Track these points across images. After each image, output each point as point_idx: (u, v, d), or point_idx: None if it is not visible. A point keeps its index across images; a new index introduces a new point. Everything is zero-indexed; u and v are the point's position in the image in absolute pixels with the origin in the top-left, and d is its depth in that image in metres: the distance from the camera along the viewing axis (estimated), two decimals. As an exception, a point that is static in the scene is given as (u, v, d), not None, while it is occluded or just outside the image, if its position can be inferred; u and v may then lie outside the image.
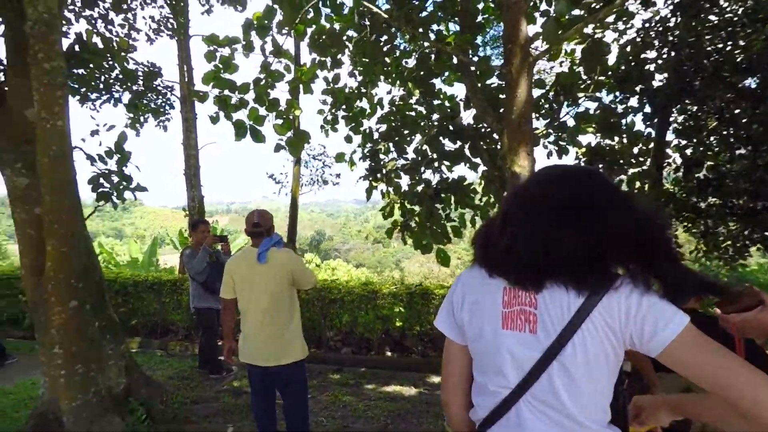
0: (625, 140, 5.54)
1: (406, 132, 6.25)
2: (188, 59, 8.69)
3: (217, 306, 4.96)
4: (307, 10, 5.13)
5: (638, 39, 5.53)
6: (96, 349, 3.38)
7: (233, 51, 5.32)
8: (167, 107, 7.03)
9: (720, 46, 5.31)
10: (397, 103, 6.42)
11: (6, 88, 3.19)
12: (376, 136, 6.48)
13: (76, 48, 4.36)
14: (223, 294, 2.91)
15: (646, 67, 5.51)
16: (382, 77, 6.12)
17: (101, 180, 3.96)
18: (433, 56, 5.61)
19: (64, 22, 5.04)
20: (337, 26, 5.50)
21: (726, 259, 5.73)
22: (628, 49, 5.45)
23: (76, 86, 5.57)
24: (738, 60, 5.11)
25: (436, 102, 6.12)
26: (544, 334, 0.95)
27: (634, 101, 5.71)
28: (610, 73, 5.22)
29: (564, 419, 0.95)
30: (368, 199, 6.42)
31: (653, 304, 0.88)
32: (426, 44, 5.51)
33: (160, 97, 6.83)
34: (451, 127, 5.79)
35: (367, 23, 5.30)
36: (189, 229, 6.35)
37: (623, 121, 5.46)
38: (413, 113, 6.32)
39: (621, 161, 5.56)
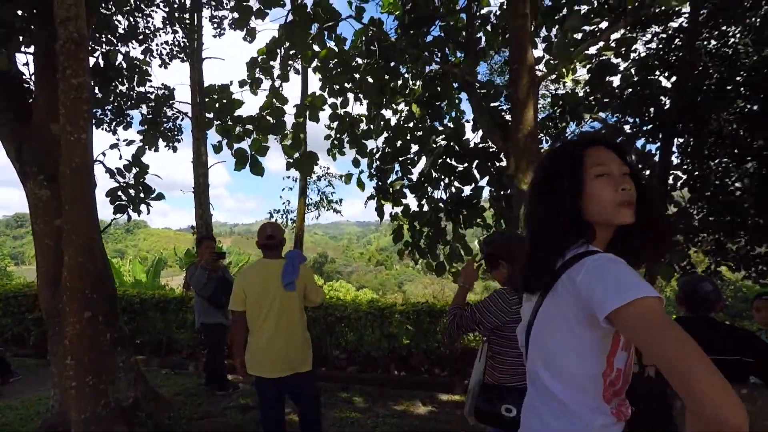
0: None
1: (412, 152, 6.35)
2: (200, 80, 8.95)
3: (224, 321, 4.97)
4: (315, 37, 5.32)
5: (642, 61, 5.68)
6: (107, 360, 3.39)
7: (232, 99, 5.46)
8: (176, 131, 7.23)
9: (722, 69, 5.45)
10: (402, 124, 6.53)
11: (32, 103, 3.31)
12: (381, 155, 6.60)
13: (101, 65, 4.53)
14: (233, 306, 2.91)
15: (650, 89, 5.65)
16: (386, 100, 6.27)
17: (119, 193, 4.05)
18: (439, 79, 5.77)
19: (91, 42, 5.25)
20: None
21: (754, 278, 5.59)
22: (633, 71, 5.59)
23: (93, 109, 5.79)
24: (739, 82, 5.24)
25: (440, 123, 6.24)
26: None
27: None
28: (617, 92, 5.35)
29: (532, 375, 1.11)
30: (381, 218, 6.46)
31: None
32: (432, 67, 5.68)
33: (171, 122, 7.03)
34: (457, 148, 5.90)
35: (375, 48, 5.48)
36: (196, 246, 6.40)
37: (637, 145, 5.54)
38: (419, 133, 6.42)
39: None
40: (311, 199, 12.92)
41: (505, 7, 4.88)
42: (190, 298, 6.64)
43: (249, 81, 5.55)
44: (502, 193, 5.72)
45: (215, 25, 8.80)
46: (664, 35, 5.70)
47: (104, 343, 3.38)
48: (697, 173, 5.85)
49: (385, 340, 6.17)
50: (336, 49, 5.67)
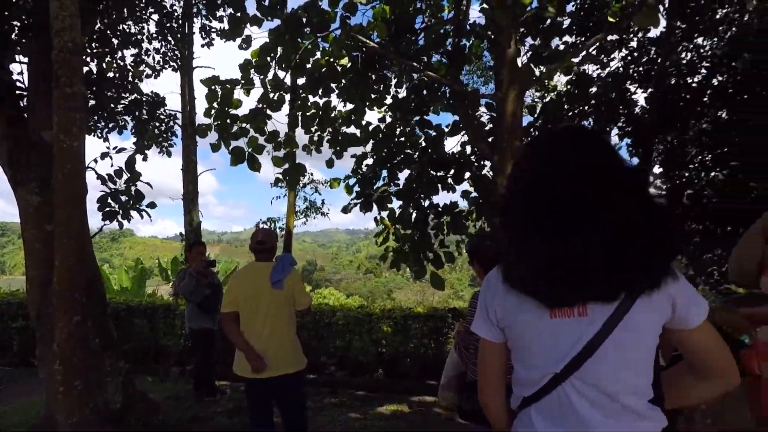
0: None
1: (398, 159, 6.43)
2: (191, 89, 9.00)
3: (213, 326, 5.00)
4: (307, 46, 5.42)
5: (620, 71, 5.91)
6: (96, 364, 3.41)
7: (233, 88, 5.54)
8: (170, 135, 7.26)
9: (697, 79, 5.70)
10: (384, 130, 6.54)
11: (26, 111, 3.36)
12: (369, 161, 6.68)
13: (94, 73, 4.58)
14: (226, 308, 2.96)
15: (628, 99, 5.88)
16: (373, 106, 6.36)
17: (109, 200, 4.09)
18: (425, 86, 5.90)
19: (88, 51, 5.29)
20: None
21: (711, 284, 5.91)
22: (610, 81, 5.81)
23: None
24: (714, 92, 5.48)
25: (424, 130, 6.32)
26: (594, 315, 0.97)
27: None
28: (593, 102, 5.54)
29: (605, 399, 0.97)
30: (365, 212, 6.45)
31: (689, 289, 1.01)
32: (417, 75, 5.80)
33: (163, 125, 7.06)
34: (435, 155, 6.03)
35: (357, 54, 5.58)
36: (185, 252, 6.42)
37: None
38: (403, 139, 6.47)
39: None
40: (298, 206, 12.97)
41: (490, 18, 5.04)
42: (179, 305, 6.64)
43: (243, 81, 5.62)
44: (487, 199, 5.84)
45: (204, 35, 8.86)
46: (641, 49, 5.94)
47: (93, 347, 3.41)
48: (677, 181, 6.06)
49: (373, 346, 6.25)
50: (323, 61, 5.75)
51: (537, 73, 5.16)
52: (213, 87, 5.45)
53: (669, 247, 0.98)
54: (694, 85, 5.64)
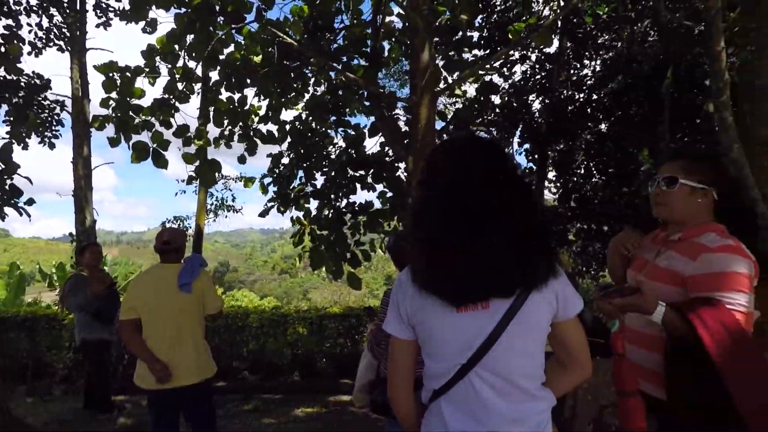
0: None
1: (314, 159, 6.37)
2: (84, 73, 8.00)
3: (108, 337, 4.54)
4: (221, 37, 5.15)
5: (521, 83, 6.48)
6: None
7: (135, 77, 5.08)
8: (55, 123, 6.39)
9: (582, 96, 6.44)
10: (301, 128, 6.44)
11: None
12: (286, 161, 6.55)
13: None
14: (125, 315, 2.71)
15: (527, 108, 6.48)
16: (289, 104, 6.24)
17: (-24, 195, 3.51)
18: (343, 86, 5.92)
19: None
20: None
21: (593, 275, 6.80)
22: (512, 92, 6.34)
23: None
24: (598, 105, 6.23)
25: (343, 130, 6.36)
26: (495, 309, 1.06)
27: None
28: (497, 111, 6.00)
29: (505, 384, 1.07)
30: (283, 212, 6.28)
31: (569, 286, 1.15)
32: (335, 75, 5.81)
33: (47, 111, 6.19)
34: (355, 155, 6.11)
35: (274, 49, 5.43)
36: (76, 255, 5.74)
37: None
38: (317, 139, 6.42)
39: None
40: (209, 204, 12.24)
41: (407, 24, 5.20)
42: (65, 315, 5.93)
43: (147, 69, 5.15)
44: (402, 200, 6.04)
45: (99, 13, 7.95)
46: (539, 64, 6.57)
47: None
48: (568, 185, 6.79)
49: (288, 348, 6.13)
50: (243, 45, 5.48)
51: (450, 80, 5.45)
52: (111, 74, 4.95)
53: (554, 248, 1.12)
54: (580, 99, 6.37)
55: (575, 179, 6.81)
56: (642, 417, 1.42)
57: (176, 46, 5.16)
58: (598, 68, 6.33)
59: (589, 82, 6.32)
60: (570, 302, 1.11)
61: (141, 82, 5.15)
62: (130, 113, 4.96)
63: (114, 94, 4.97)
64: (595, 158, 6.43)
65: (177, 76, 5.26)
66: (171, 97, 5.30)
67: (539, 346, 1.11)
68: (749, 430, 1.25)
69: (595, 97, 6.20)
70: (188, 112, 5.40)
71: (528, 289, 1.05)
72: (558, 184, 6.82)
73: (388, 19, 5.78)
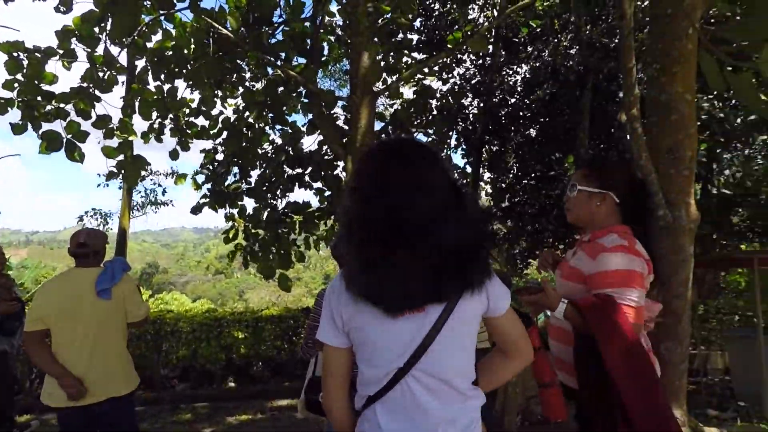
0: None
1: (250, 156, 6.14)
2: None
3: (8, 349, 4.07)
4: (148, 23, 4.80)
5: (456, 89, 6.71)
6: None
7: (47, 59, 4.59)
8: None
9: (514, 100, 6.80)
10: (236, 124, 6.15)
11: None
12: (220, 157, 6.27)
13: None
14: (31, 326, 2.43)
15: (463, 111, 6.72)
16: (223, 98, 5.97)
17: None
18: (281, 83, 5.77)
19: None
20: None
21: (517, 271, 7.25)
22: (449, 95, 6.55)
23: None
24: (528, 110, 6.61)
25: (280, 128, 6.18)
26: (430, 311, 1.06)
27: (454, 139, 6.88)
28: (435, 113, 6.16)
29: (440, 385, 1.09)
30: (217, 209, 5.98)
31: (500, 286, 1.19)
32: (273, 71, 5.65)
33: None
34: (292, 153, 5.99)
35: (209, 41, 5.17)
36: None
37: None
38: (251, 135, 6.18)
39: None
40: (135, 200, 11.41)
41: (347, 22, 5.16)
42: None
43: (61, 52, 4.66)
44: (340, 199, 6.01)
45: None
46: (474, 68, 6.84)
47: None
48: (502, 185, 7.14)
49: (222, 352, 5.88)
50: (173, 33, 5.13)
51: (389, 81, 5.49)
52: (17, 54, 4.44)
53: (488, 251, 1.16)
54: (511, 102, 6.73)
55: (507, 181, 7.18)
56: (561, 405, 1.53)
57: (96, 30, 4.72)
58: (527, 75, 6.71)
59: (519, 88, 6.69)
60: (500, 299, 1.16)
61: (53, 67, 4.65)
62: (39, 99, 4.47)
63: (20, 76, 4.45)
64: (524, 161, 6.83)
65: (97, 63, 4.82)
66: (90, 85, 4.84)
67: (473, 340, 1.15)
68: (636, 429, 1.35)
69: (527, 102, 6.57)
70: (112, 102, 4.95)
71: (462, 292, 1.08)
72: (493, 185, 7.16)
73: (327, 19, 5.72)
